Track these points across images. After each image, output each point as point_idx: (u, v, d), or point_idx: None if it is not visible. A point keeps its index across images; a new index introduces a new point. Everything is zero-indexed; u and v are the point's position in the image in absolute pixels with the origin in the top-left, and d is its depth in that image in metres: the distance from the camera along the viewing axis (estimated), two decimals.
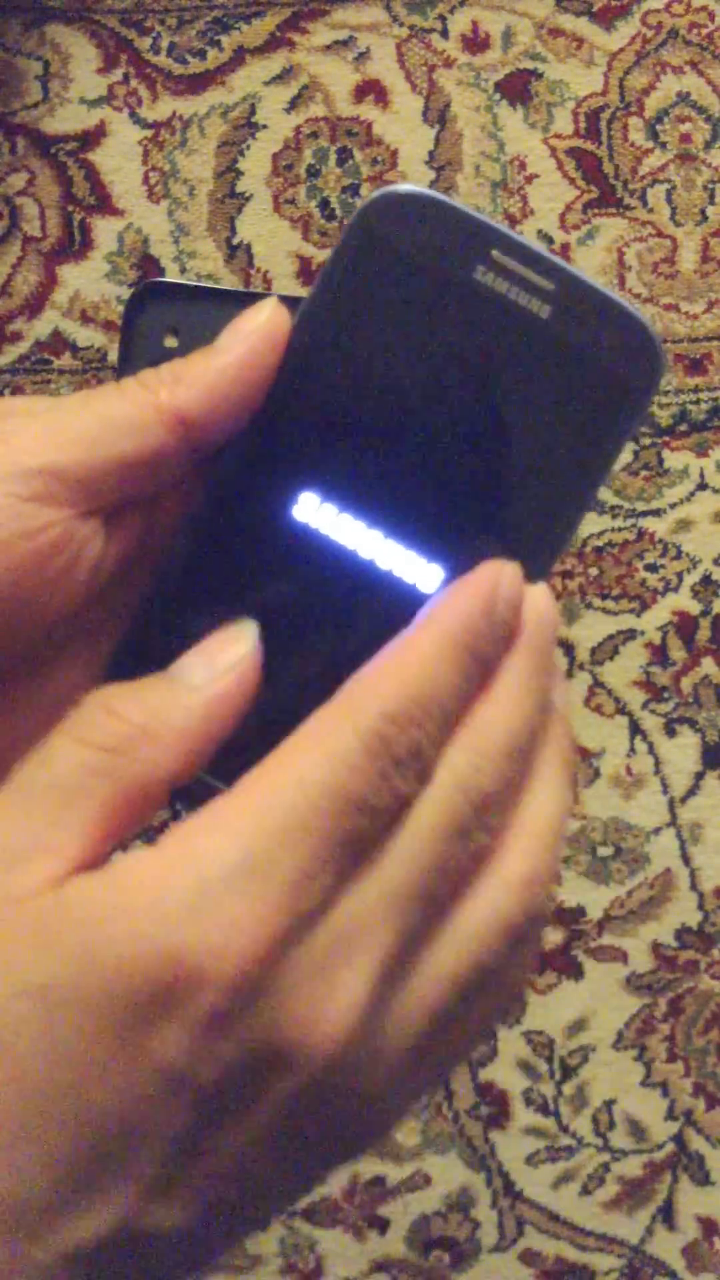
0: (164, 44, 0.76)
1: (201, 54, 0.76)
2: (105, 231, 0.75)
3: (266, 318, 0.29)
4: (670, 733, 0.76)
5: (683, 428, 0.76)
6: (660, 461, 0.76)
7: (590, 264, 0.76)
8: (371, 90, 0.76)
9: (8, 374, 0.75)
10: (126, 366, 0.66)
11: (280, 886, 0.24)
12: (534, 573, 0.28)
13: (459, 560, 0.28)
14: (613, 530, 0.76)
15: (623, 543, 0.76)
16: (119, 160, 0.76)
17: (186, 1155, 0.24)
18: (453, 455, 0.29)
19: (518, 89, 0.76)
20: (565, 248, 0.76)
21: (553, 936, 0.77)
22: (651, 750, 0.76)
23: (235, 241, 0.76)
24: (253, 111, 0.76)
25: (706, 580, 0.76)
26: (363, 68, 0.76)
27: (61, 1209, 0.24)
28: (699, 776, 0.77)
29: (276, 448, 0.29)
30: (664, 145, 0.76)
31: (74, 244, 0.75)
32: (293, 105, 0.76)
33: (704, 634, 0.76)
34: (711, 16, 0.76)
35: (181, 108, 0.76)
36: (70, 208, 0.75)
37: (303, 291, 0.75)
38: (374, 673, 0.27)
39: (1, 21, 0.75)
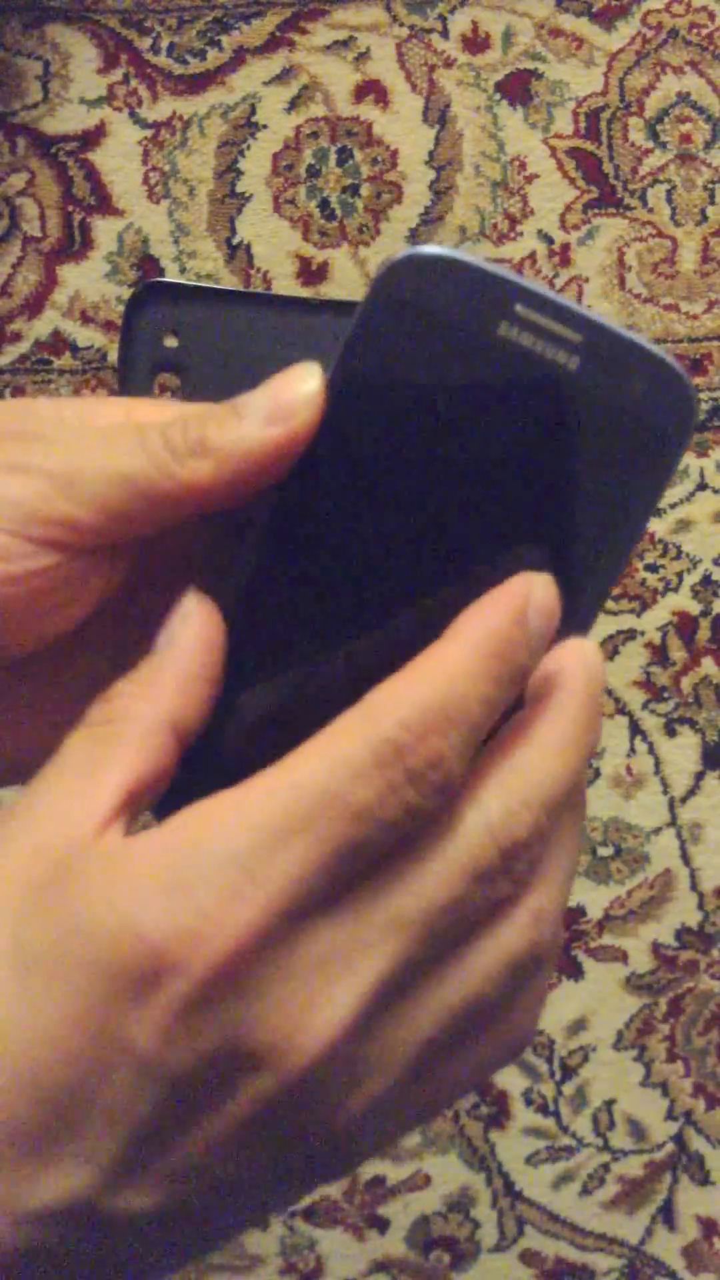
0: (164, 44, 0.76)
1: (202, 54, 0.76)
2: (105, 231, 0.75)
3: (310, 396, 0.28)
4: (670, 733, 0.76)
5: None
6: None
7: (590, 264, 0.76)
8: (371, 90, 0.76)
9: (8, 374, 0.75)
10: (126, 367, 0.66)
11: (267, 885, 0.24)
12: (579, 625, 0.28)
13: None
14: None
15: None
16: (119, 160, 0.76)
17: (151, 1142, 0.24)
18: (491, 515, 0.28)
19: (518, 89, 0.76)
20: (565, 248, 0.76)
21: None
22: (651, 750, 0.76)
23: (235, 241, 0.76)
24: (253, 111, 0.76)
25: (706, 580, 0.76)
26: (363, 68, 0.76)
27: (16, 1171, 0.24)
28: (699, 776, 0.77)
29: (305, 518, 0.29)
30: (664, 145, 0.76)
31: (74, 244, 0.75)
32: (293, 105, 0.76)
33: (704, 634, 0.76)
34: (711, 16, 0.76)
35: (181, 108, 0.76)
36: (70, 208, 0.75)
37: (303, 292, 0.75)
38: (395, 680, 0.26)
39: (1, 21, 0.75)
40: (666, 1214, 0.78)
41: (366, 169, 0.76)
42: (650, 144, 0.76)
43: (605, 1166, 0.78)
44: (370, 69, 0.76)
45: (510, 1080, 0.77)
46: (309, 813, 0.24)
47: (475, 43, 0.76)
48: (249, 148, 0.76)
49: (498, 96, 0.76)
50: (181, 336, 0.65)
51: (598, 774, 0.76)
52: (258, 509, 0.29)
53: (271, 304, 0.70)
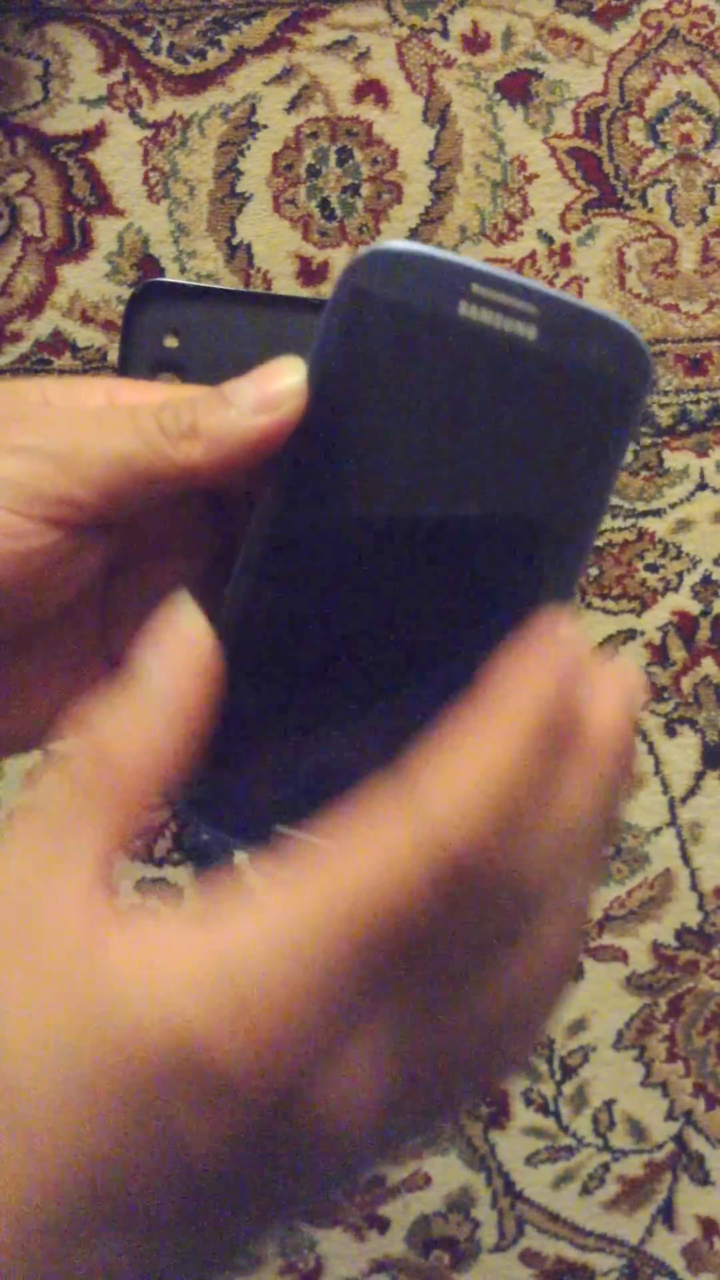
0: (164, 44, 0.76)
1: (202, 54, 0.76)
2: (105, 231, 0.75)
3: (295, 387, 0.29)
4: (670, 733, 0.76)
5: (683, 428, 0.76)
6: (660, 461, 0.76)
7: (590, 264, 0.76)
8: (371, 90, 0.76)
9: (8, 374, 0.75)
10: (126, 366, 0.66)
11: (319, 1013, 0.23)
12: (564, 588, 0.29)
13: (493, 589, 0.29)
14: (613, 530, 0.76)
15: (623, 543, 0.76)
16: (119, 160, 0.76)
17: (182, 1225, 0.24)
18: (472, 488, 0.29)
19: (518, 89, 0.76)
20: (565, 248, 0.76)
21: None
22: (651, 750, 0.76)
23: (235, 241, 0.76)
24: (253, 111, 0.76)
25: (706, 580, 0.76)
26: (363, 68, 0.76)
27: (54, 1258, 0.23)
28: (699, 776, 0.77)
29: (294, 503, 0.30)
30: (664, 145, 0.76)
31: (74, 244, 0.75)
32: (293, 105, 0.76)
33: (704, 634, 0.76)
34: (711, 16, 0.76)
35: (181, 108, 0.76)
36: (70, 208, 0.75)
37: (303, 292, 0.75)
38: (441, 768, 0.24)
39: (1, 21, 0.75)
40: (666, 1214, 0.78)
41: (366, 169, 0.76)
42: (650, 144, 0.76)
43: (605, 1166, 0.78)
44: (370, 69, 0.76)
45: (510, 1080, 0.77)
46: (359, 933, 0.23)
47: (475, 43, 0.76)
48: (249, 148, 0.76)
49: (498, 96, 0.76)
50: (181, 336, 0.65)
51: None
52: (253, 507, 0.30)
53: (272, 304, 0.70)
